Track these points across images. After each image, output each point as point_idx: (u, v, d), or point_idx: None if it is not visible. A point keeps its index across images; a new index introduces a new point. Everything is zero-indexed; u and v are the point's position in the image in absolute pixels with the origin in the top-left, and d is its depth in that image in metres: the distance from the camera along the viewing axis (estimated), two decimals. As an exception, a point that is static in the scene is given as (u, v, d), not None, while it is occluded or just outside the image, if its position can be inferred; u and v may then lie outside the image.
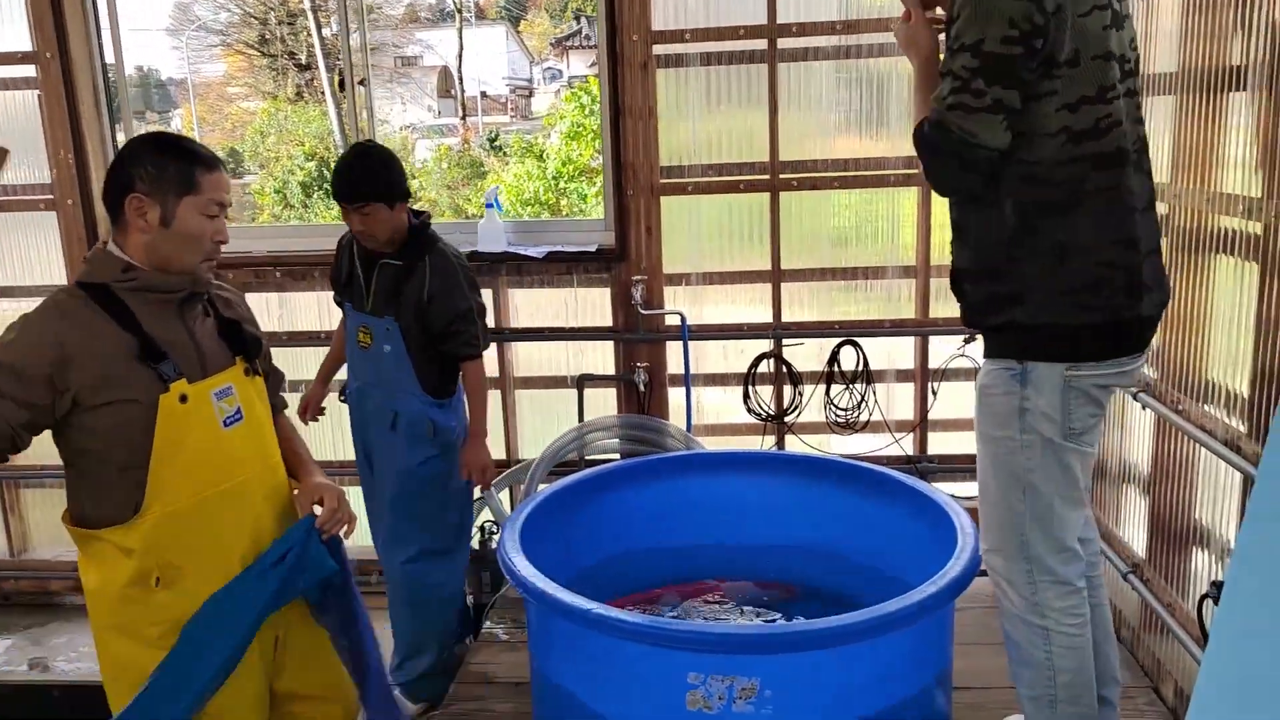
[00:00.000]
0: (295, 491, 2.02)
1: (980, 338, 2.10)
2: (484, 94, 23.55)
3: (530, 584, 2.20)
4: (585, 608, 2.08)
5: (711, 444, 3.95)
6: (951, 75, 1.87)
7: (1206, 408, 2.50)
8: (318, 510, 1.97)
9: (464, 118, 21.58)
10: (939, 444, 3.81)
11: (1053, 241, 1.92)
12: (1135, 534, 2.95)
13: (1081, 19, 1.87)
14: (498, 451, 3.90)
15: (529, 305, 3.83)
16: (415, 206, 2.96)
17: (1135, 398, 2.79)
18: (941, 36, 2.04)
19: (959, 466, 3.72)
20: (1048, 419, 1.96)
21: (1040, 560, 2.02)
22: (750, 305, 3.79)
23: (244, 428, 1.93)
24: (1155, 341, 2.79)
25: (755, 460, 3.12)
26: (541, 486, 3.25)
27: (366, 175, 2.75)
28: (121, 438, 1.80)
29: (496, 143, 18.50)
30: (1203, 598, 2.33)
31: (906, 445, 3.77)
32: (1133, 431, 2.99)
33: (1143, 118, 2.03)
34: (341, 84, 3.84)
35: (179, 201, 1.83)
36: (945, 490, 2.75)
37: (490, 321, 3.78)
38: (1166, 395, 2.67)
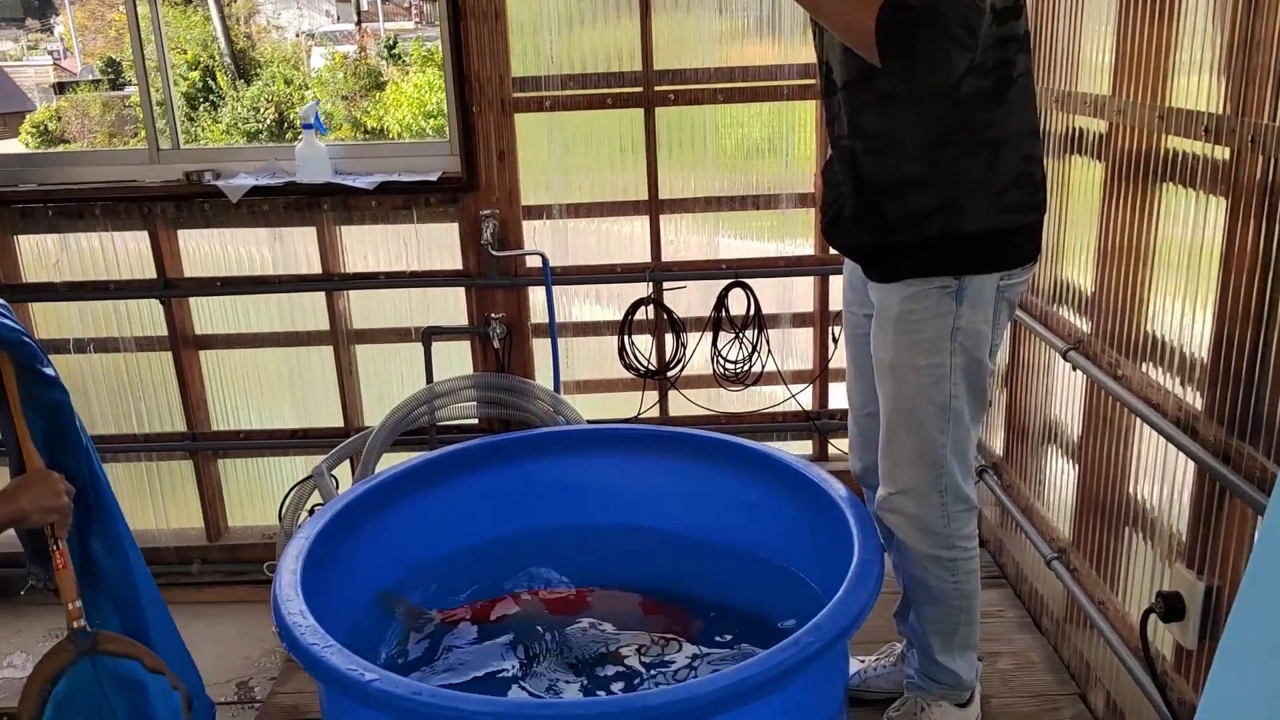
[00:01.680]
0: None
1: (878, 264, 1.89)
2: (385, -3, 22.19)
3: (299, 641, 1.68)
4: (363, 680, 1.56)
5: (583, 403, 3.43)
6: None
7: (1151, 373, 2.05)
8: None
9: (360, 24, 20.25)
10: (841, 397, 3.34)
11: (986, 137, 1.79)
12: (1062, 514, 2.53)
13: None
14: (332, 416, 3.37)
15: (361, 246, 3.23)
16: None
17: (1065, 357, 2.33)
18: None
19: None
20: (979, 336, 1.87)
21: (956, 489, 1.95)
22: (624, 244, 3.24)
23: None
24: (1088, 289, 2.33)
25: (623, 438, 2.60)
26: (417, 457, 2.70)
27: None
28: None
29: (395, 50, 17.38)
30: (1146, 613, 1.90)
31: (805, 400, 3.31)
32: (1058, 390, 2.55)
33: None
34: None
35: None
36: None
37: (317, 265, 3.19)
38: (1102, 356, 2.22)
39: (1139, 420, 2.06)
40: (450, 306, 3.29)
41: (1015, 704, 2.33)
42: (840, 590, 1.76)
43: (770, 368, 3.21)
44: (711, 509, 2.43)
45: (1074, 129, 2.42)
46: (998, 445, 2.98)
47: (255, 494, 3.54)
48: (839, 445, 3.34)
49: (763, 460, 2.33)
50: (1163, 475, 2.03)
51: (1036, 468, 2.71)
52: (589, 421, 3.18)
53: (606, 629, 2.20)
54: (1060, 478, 2.56)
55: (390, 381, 3.40)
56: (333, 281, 3.20)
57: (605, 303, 3.33)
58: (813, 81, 3.01)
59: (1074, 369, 2.33)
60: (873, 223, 1.86)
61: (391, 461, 2.53)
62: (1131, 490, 2.18)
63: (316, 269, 3.20)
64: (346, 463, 3.18)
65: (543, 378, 3.28)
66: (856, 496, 2.09)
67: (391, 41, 18.05)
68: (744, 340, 3.19)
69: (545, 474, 2.52)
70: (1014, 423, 2.84)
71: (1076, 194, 2.46)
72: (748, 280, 3.15)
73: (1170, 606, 1.85)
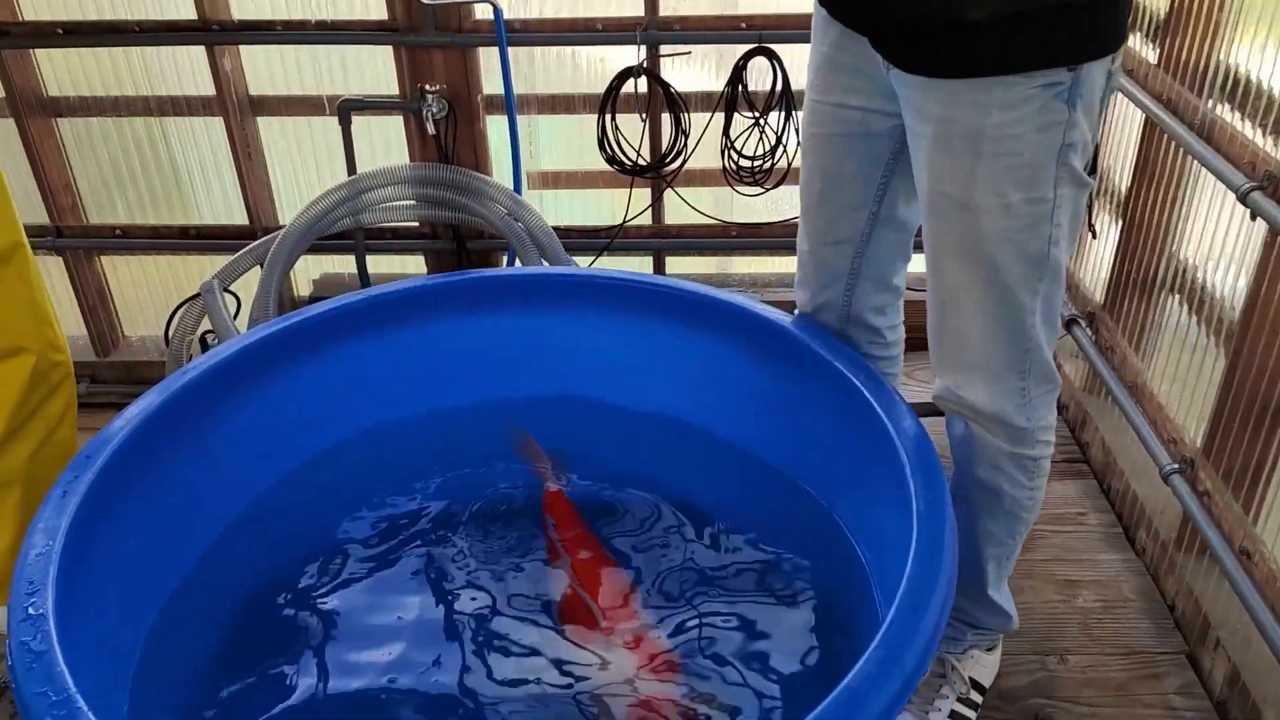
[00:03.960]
0: None
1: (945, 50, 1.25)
2: None
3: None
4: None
5: (552, 204, 2.69)
6: None
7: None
8: None
9: None
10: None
11: None
12: (1193, 409, 1.83)
13: None
14: (234, 212, 2.64)
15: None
16: None
17: (1244, 200, 1.56)
18: None
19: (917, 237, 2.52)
20: (1087, 151, 1.32)
21: (1043, 368, 1.42)
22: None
23: None
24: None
25: (603, 289, 1.84)
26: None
27: None
28: None
29: None
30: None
31: (842, 208, 2.54)
32: (1215, 230, 1.80)
33: None
34: None
35: None
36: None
37: (190, 10, 2.35)
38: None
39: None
40: (377, 72, 2.47)
41: (1097, 665, 1.75)
42: (890, 613, 1.10)
43: (798, 163, 2.42)
44: (716, 394, 1.76)
45: None
46: (1097, 289, 2.24)
47: (156, 298, 2.87)
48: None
49: (794, 347, 1.61)
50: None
51: (1159, 335, 1.99)
52: (558, 230, 2.44)
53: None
54: (1198, 360, 1.84)
55: (308, 170, 2.65)
56: (213, 33, 2.36)
57: (582, 72, 2.50)
58: None
59: (1253, 216, 1.57)
60: None
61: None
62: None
63: (191, 14, 2.36)
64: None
65: (499, 171, 2.51)
66: (922, 432, 1.39)
67: None
68: (765, 126, 2.39)
69: (485, 333, 1.83)
70: (1129, 262, 2.09)
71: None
72: (773, 46, 2.30)
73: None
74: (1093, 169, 1.35)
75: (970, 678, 1.64)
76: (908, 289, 1.68)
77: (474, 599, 1.57)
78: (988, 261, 1.33)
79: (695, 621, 1.50)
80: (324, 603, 1.57)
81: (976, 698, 1.64)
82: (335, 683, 1.45)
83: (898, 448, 1.30)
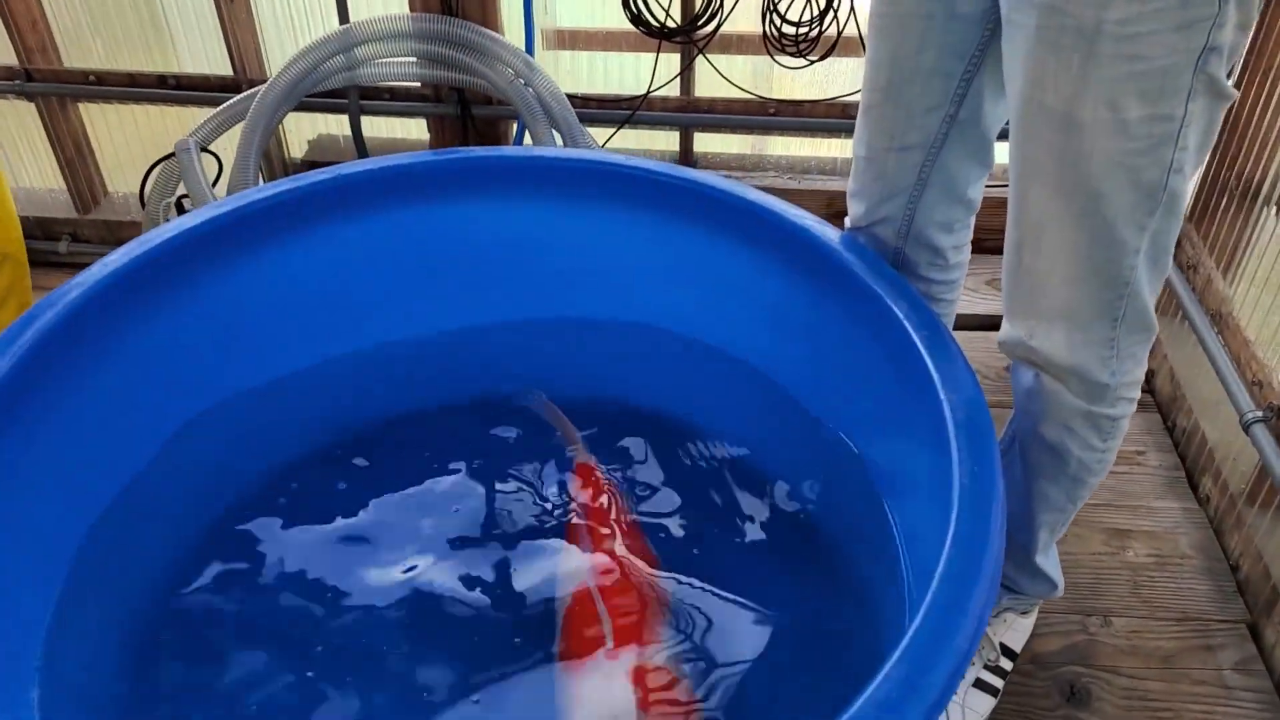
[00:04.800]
0: None
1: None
2: None
3: None
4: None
5: (569, 67, 2.41)
6: None
7: None
8: None
9: None
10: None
11: None
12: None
13: None
14: (219, 64, 2.39)
15: None
16: None
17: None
18: None
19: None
20: (1231, 53, 1.02)
21: (1140, 314, 1.16)
22: None
23: None
24: None
25: (606, 177, 1.56)
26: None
27: None
28: None
29: None
30: None
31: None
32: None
33: None
34: None
35: None
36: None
37: None
38: None
39: None
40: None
41: (1144, 631, 1.55)
42: (912, 630, 0.90)
43: (851, 32, 2.11)
44: (732, 310, 1.52)
45: None
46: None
47: (141, 152, 2.64)
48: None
49: (838, 273, 1.36)
50: None
51: (1253, 259, 1.72)
52: (573, 99, 2.17)
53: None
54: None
55: (299, 17, 2.38)
56: None
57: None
58: None
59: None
60: None
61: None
62: None
63: None
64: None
65: (511, 30, 2.23)
66: (980, 401, 1.14)
67: None
68: (816, -11, 2.08)
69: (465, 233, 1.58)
70: (1226, 168, 1.80)
71: None
72: (832, -110, 1.97)
73: None
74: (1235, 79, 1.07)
75: (1001, 643, 1.45)
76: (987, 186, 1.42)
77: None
78: (1087, 191, 1.07)
79: (697, 584, 1.30)
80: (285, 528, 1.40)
81: (1006, 665, 1.46)
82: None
83: (947, 422, 1.07)
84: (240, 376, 1.44)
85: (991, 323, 2.11)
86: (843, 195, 1.44)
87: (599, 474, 1.47)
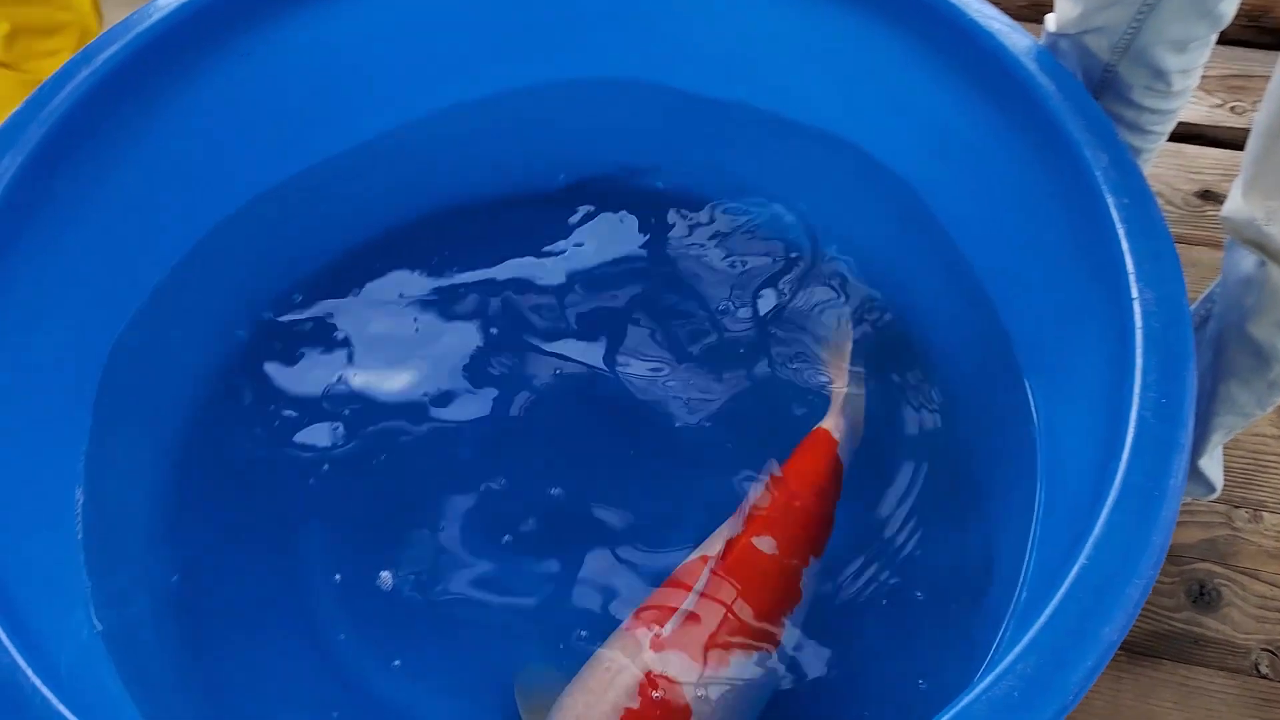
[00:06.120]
0: None
1: None
2: None
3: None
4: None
5: None
6: None
7: None
8: None
9: None
10: None
11: None
12: None
13: None
14: None
15: None
16: None
17: None
18: None
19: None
20: None
21: None
22: None
23: None
24: None
25: None
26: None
27: None
28: None
29: None
30: None
31: None
32: None
33: None
34: None
35: None
36: None
37: None
38: None
39: None
40: None
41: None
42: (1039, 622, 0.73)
43: None
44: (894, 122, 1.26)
45: None
46: None
47: None
48: None
49: (1023, 94, 1.07)
50: None
51: None
52: None
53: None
54: None
55: None
56: None
57: None
58: None
59: None
60: None
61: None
62: None
63: None
64: None
65: None
66: (1182, 302, 0.91)
67: None
68: None
69: None
70: None
71: None
72: None
73: None
74: None
75: (1133, 535, 1.29)
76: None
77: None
78: None
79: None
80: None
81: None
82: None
83: (1135, 330, 0.85)
84: (289, 159, 1.27)
85: (1188, 132, 1.78)
86: (1048, -11, 1.14)
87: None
